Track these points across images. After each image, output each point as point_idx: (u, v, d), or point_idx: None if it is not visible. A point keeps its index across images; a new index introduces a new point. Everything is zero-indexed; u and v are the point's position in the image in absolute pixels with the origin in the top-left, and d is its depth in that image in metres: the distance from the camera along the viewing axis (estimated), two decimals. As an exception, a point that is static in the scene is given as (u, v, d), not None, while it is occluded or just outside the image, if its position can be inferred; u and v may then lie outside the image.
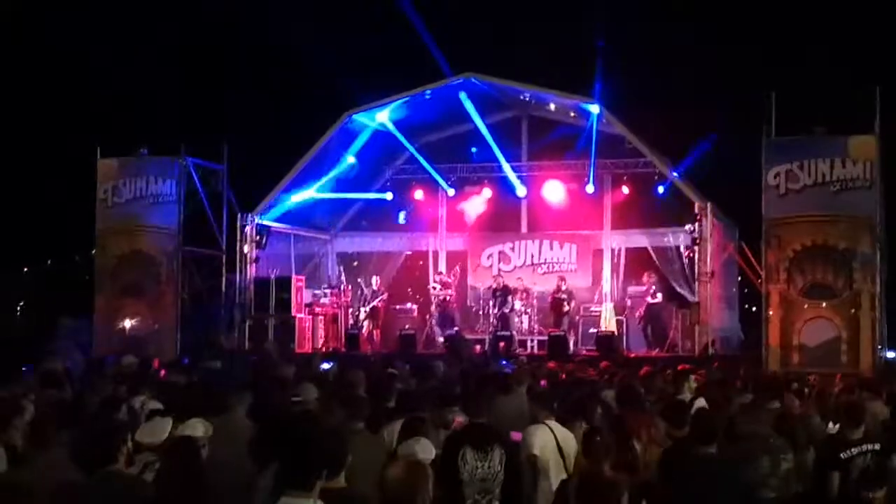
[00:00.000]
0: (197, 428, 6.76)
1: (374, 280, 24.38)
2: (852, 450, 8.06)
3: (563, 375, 13.45)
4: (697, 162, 23.17)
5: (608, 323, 22.69)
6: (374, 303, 24.00)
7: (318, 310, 23.94)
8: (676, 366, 14.47)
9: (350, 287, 24.77)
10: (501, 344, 21.55)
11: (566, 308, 22.81)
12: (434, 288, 24.47)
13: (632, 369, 14.69)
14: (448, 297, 24.07)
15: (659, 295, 22.55)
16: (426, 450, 6.49)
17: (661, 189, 23.19)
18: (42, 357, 16.94)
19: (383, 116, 23.94)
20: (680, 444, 7.47)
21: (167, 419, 6.97)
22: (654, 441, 8.02)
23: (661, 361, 18.02)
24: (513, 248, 25.56)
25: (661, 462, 7.29)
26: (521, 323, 23.34)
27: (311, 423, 6.28)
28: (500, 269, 24.99)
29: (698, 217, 21.39)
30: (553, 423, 7.83)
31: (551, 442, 7.66)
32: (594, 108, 22.52)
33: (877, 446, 8.12)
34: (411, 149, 24.96)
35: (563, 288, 23.16)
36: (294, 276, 23.86)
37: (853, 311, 19.08)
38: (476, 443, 7.20)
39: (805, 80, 28.14)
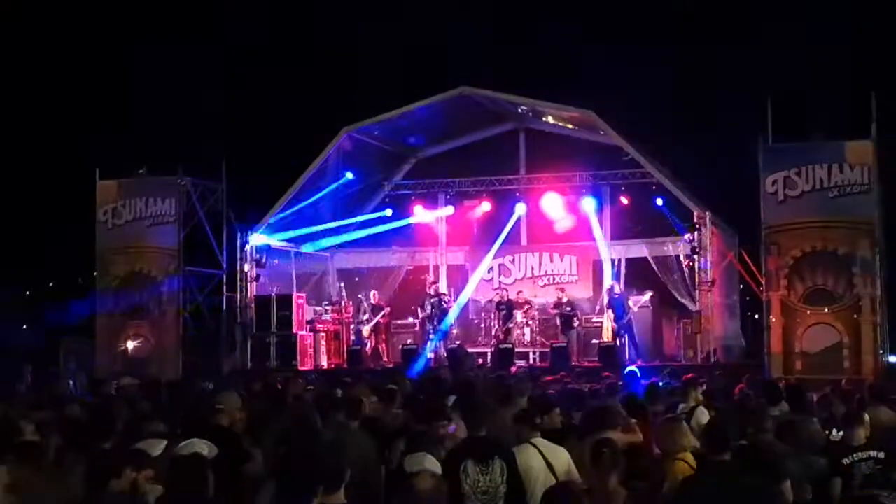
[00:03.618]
0: (201, 447, 6.72)
1: (373, 294, 24.33)
2: (854, 455, 8.05)
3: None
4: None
5: (609, 334, 22.60)
6: (378, 318, 23.96)
7: (319, 326, 23.91)
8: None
9: (351, 303, 24.74)
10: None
11: (576, 323, 22.69)
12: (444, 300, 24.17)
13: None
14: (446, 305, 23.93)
15: (632, 305, 22.39)
16: (434, 464, 6.48)
17: (659, 201, 23.17)
18: (46, 378, 17.04)
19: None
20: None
21: (161, 440, 6.95)
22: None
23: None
24: (513, 261, 25.55)
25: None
26: (523, 335, 23.31)
27: (305, 438, 6.26)
28: (500, 282, 24.97)
29: (697, 226, 21.38)
30: (540, 441, 7.69)
31: (538, 463, 7.50)
32: (591, 119, 22.55)
33: (881, 454, 8.09)
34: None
35: (564, 300, 23.08)
36: (295, 294, 23.83)
37: (854, 316, 19.06)
38: (477, 456, 7.17)
39: (801, 86, 28.22)
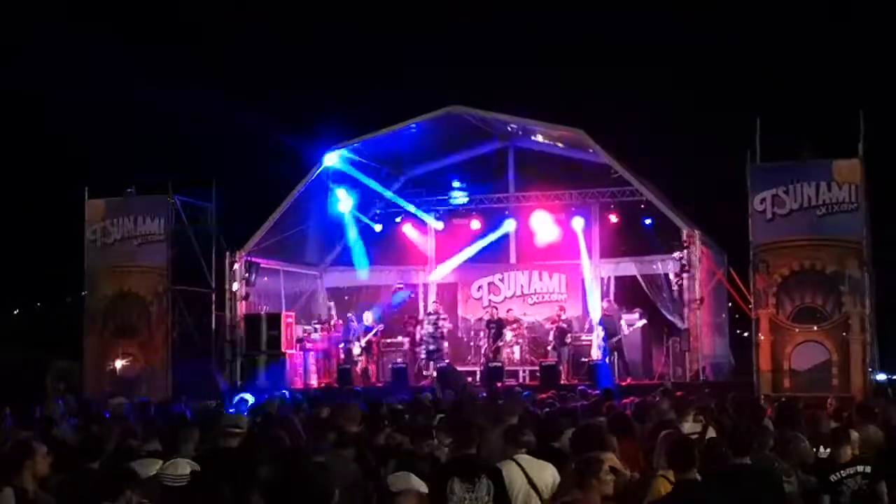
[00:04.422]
0: (183, 466, 6.71)
1: (367, 315, 24.31)
2: (841, 472, 8.07)
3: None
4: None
5: (598, 352, 22.59)
6: (369, 336, 23.92)
7: (308, 345, 23.86)
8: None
9: (341, 322, 24.70)
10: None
11: (569, 339, 22.71)
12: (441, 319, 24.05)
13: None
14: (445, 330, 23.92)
15: (624, 325, 22.46)
16: (420, 483, 6.47)
17: (647, 221, 23.26)
18: (33, 399, 16.93)
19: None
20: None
21: (156, 460, 6.94)
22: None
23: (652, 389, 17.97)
24: (502, 280, 25.56)
25: None
26: (513, 353, 23.31)
27: (294, 461, 6.23)
28: (490, 301, 24.98)
29: (686, 244, 21.42)
30: (523, 458, 7.68)
31: (520, 479, 7.48)
32: (580, 138, 22.61)
33: (867, 469, 8.12)
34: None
35: (563, 316, 23.07)
36: (284, 313, 23.78)
37: (843, 334, 19.05)
38: (463, 474, 7.16)
39: (789, 105, 28.41)
